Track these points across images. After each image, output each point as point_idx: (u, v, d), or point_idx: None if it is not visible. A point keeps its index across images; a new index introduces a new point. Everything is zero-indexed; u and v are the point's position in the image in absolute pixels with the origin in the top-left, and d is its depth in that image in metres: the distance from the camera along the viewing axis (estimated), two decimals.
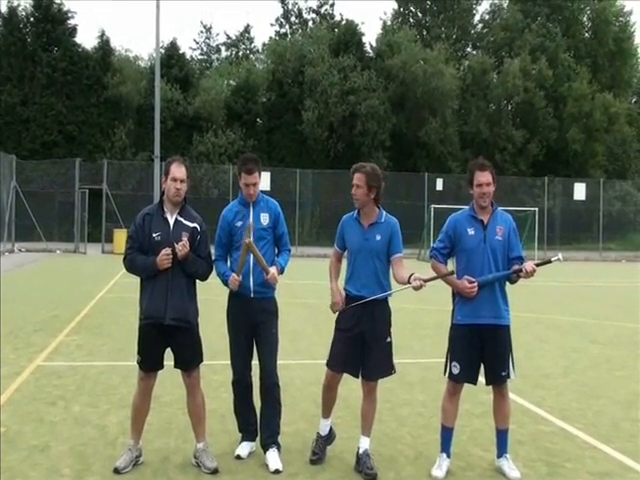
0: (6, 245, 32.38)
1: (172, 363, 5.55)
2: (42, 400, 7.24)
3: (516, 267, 5.43)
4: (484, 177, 5.50)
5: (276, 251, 5.90)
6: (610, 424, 6.91)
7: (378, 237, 5.58)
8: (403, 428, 6.64)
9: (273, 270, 5.60)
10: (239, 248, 5.61)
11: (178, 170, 5.40)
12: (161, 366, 5.51)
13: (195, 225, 5.48)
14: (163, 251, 5.25)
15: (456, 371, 5.53)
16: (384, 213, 5.70)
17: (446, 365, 5.62)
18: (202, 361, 5.60)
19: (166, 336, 5.38)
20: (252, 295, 5.66)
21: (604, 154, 51.59)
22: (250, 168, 5.65)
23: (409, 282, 5.41)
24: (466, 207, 5.70)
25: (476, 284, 5.38)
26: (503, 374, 5.51)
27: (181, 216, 5.47)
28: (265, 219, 5.77)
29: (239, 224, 5.68)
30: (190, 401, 5.59)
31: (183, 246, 5.27)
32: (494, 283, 5.46)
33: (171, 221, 5.43)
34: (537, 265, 5.42)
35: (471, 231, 5.53)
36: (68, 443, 5.92)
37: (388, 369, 5.67)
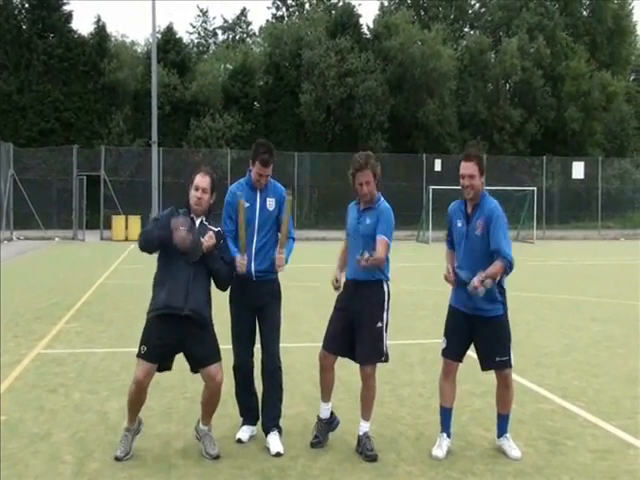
0: (5, 233, 32.36)
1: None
2: (43, 388, 7.25)
3: (470, 286, 5.19)
4: (466, 169, 5.40)
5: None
6: (610, 402, 6.92)
7: (368, 221, 5.56)
8: (403, 409, 6.65)
9: (281, 256, 5.60)
10: (246, 228, 5.57)
11: (202, 180, 5.45)
12: (165, 364, 5.51)
13: (219, 229, 5.54)
14: (182, 228, 5.24)
15: (444, 346, 5.62)
16: (382, 199, 5.66)
17: None
18: (220, 359, 5.44)
19: (178, 331, 5.29)
20: (254, 279, 5.64)
21: (602, 132, 51.34)
22: (266, 160, 5.57)
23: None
24: None
25: (452, 274, 5.44)
26: (497, 360, 5.45)
27: (206, 221, 5.54)
28: (271, 204, 5.75)
29: (247, 205, 5.62)
30: (207, 394, 5.46)
31: (210, 237, 5.32)
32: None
33: (197, 222, 5.49)
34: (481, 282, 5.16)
35: (459, 223, 5.56)
36: (69, 430, 5.93)
37: (377, 354, 5.55)
